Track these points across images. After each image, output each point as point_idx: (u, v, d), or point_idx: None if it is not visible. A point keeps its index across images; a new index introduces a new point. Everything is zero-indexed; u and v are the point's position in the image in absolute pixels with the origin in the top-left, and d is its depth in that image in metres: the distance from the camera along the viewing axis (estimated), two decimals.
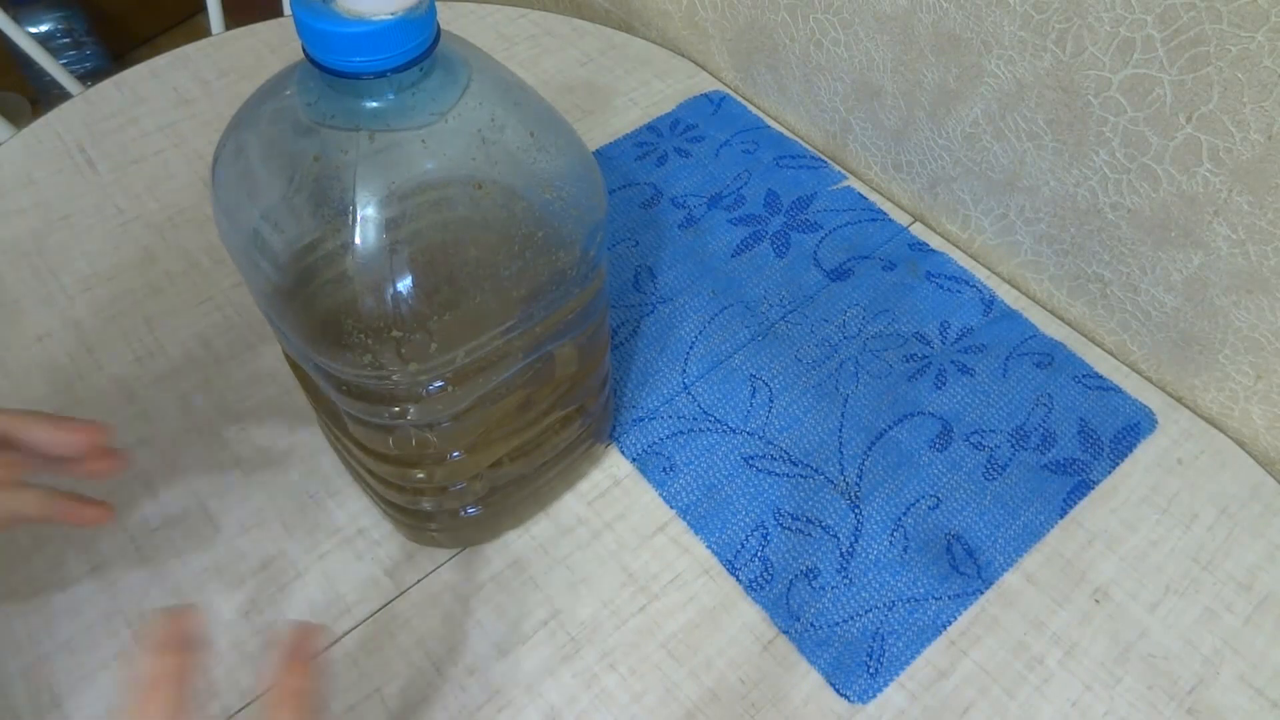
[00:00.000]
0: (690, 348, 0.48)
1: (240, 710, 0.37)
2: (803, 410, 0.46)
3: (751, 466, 0.44)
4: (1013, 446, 0.44)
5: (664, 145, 0.57)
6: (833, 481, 0.43)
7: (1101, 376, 0.47)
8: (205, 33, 0.70)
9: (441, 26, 0.28)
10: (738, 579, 0.41)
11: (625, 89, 0.61)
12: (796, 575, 0.41)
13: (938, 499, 0.43)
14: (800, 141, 0.58)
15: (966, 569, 0.41)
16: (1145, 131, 0.41)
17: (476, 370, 0.31)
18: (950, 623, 0.40)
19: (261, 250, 0.28)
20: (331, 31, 0.25)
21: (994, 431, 0.45)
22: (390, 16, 0.25)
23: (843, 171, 0.56)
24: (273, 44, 0.64)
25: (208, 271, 0.51)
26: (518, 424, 0.35)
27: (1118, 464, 0.44)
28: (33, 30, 1.38)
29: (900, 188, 0.55)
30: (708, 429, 0.45)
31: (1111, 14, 0.39)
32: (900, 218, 0.54)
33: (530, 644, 0.39)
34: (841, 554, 0.41)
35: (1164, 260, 0.44)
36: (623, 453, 0.44)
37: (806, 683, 0.38)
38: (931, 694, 0.38)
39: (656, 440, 0.45)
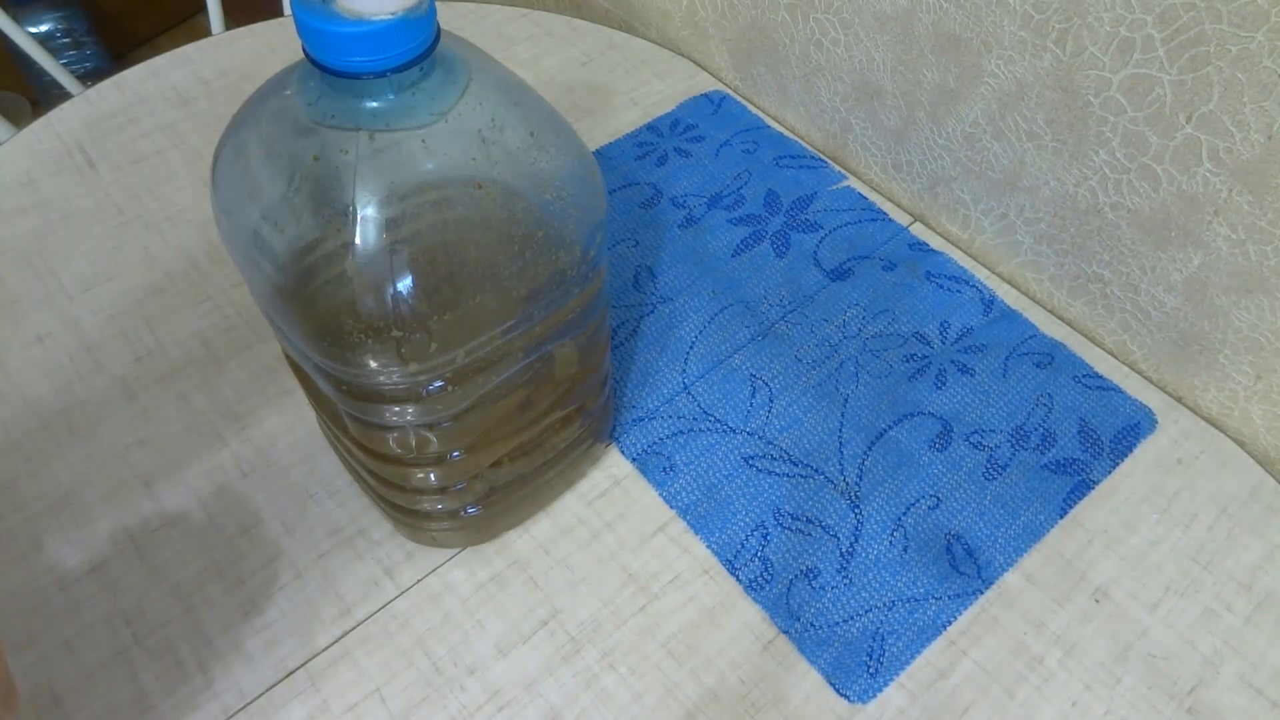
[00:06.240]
0: (690, 348, 0.48)
1: (240, 710, 0.37)
2: (803, 410, 0.46)
3: (751, 466, 0.44)
4: (1013, 446, 0.44)
5: (664, 145, 0.57)
6: (833, 481, 0.43)
7: (1101, 376, 0.47)
8: (205, 33, 0.70)
9: (441, 26, 0.28)
10: (738, 579, 0.41)
11: (625, 89, 0.61)
12: (796, 575, 0.41)
13: (938, 499, 0.43)
14: (800, 141, 0.58)
15: (966, 569, 0.41)
16: (1145, 131, 0.41)
17: (476, 370, 0.31)
18: (950, 623, 0.40)
19: (261, 250, 0.28)
20: (331, 31, 0.25)
21: (994, 431, 0.45)
22: (390, 16, 0.25)
23: (843, 171, 0.56)
24: (273, 44, 0.64)
25: (208, 271, 0.51)
26: (518, 424, 0.35)
27: (1118, 464, 0.44)
28: (33, 30, 1.38)
29: (900, 188, 0.55)
30: (708, 429, 0.45)
31: (1111, 14, 0.39)
32: (900, 218, 0.54)
33: (530, 644, 0.39)
34: (841, 554, 0.41)
35: (1164, 260, 0.44)
36: (623, 453, 0.44)
37: (806, 683, 0.38)
38: (931, 694, 0.38)
39: (656, 440, 0.45)
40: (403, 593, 0.40)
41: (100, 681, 0.38)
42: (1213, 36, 0.37)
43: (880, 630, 0.39)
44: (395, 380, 0.30)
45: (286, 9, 0.76)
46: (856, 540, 0.41)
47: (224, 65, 0.62)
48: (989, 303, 0.50)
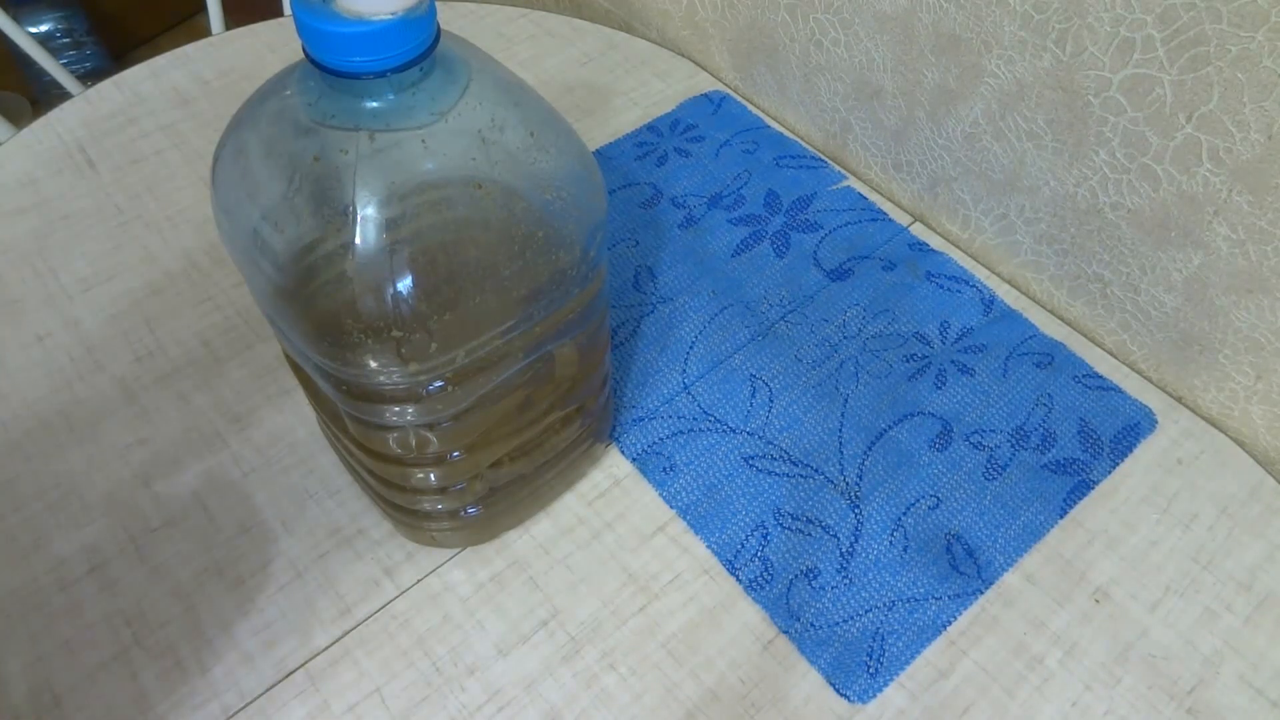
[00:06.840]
0: (690, 348, 0.48)
1: (240, 710, 0.37)
2: (803, 410, 0.46)
3: (751, 466, 0.44)
4: (1013, 446, 0.44)
5: (664, 145, 0.57)
6: (833, 481, 0.43)
7: (1101, 376, 0.47)
8: (205, 33, 0.70)
9: (441, 26, 0.28)
10: (738, 579, 0.41)
11: (625, 89, 0.61)
12: (796, 575, 0.41)
13: (938, 499, 0.43)
14: (800, 141, 0.58)
15: (966, 569, 0.41)
16: (1145, 131, 0.41)
17: (476, 370, 0.31)
18: (950, 623, 0.40)
19: (261, 250, 0.28)
20: (331, 31, 0.25)
21: (994, 431, 0.45)
22: (390, 16, 0.25)
23: (843, 171, 0.56)
24: (273, 44, 0.64)
25: (208, 271, 0.51)
26: (518, 424, 0.35)
27: (1118, 464, 0.44)
28: (33, 30, 1.38)
29: (900, 188, 0.55)
30: (708, 429, 0.45)
31: (1111, 14, 0.39)
32: (900, 218, 0.54)
33: (530, 644, 0.39)
34: (841, 554, 0.41)
35: (1164, 260, 0.44)
36: (623, 453, 0.44)
37: (806, 683, 0.38)
38: (931, 694, 0.38)
39: (656, 440, 0.45)
40: (402, 593, 0.40)
41: (100, 681, 0.38)
42: (1213, 36, 0.37)
43: (880, 630, 0.39)
44: (395, 380, 0.30)
45: (286, 9, 0.76)
46: (856, 540, 0.41)
47: (224, 65, 0.62)
48: (989, 303, 0.50)
